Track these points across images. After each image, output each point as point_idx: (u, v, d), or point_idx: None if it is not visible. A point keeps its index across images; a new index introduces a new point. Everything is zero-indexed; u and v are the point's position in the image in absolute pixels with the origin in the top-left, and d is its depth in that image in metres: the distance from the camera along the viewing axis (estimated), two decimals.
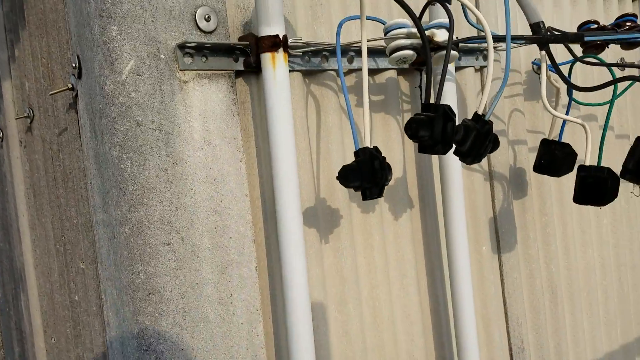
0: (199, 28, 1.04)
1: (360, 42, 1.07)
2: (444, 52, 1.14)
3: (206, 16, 1.04)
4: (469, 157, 1.09)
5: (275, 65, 1.01)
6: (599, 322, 1.78)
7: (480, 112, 1.09)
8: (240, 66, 1.07)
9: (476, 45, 1.46)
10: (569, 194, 1.71)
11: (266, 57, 1.02)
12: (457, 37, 1.23)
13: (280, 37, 1.01)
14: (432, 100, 1.02)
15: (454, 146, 1.09)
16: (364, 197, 1.02)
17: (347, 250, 1.24)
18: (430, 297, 1.42)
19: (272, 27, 1.01)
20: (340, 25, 1.06)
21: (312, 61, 1.17)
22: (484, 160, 1.55)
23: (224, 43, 1.04)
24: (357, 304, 1.24)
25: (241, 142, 1.07)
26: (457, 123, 1.08)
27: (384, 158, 1.02)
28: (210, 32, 1.05)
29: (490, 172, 1.56)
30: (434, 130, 1.00)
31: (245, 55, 1.07)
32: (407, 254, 1.36)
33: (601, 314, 1.79)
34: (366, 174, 1.00)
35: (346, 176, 1.00)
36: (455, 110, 1.33)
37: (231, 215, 1.04)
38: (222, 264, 1.03)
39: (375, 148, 1.02)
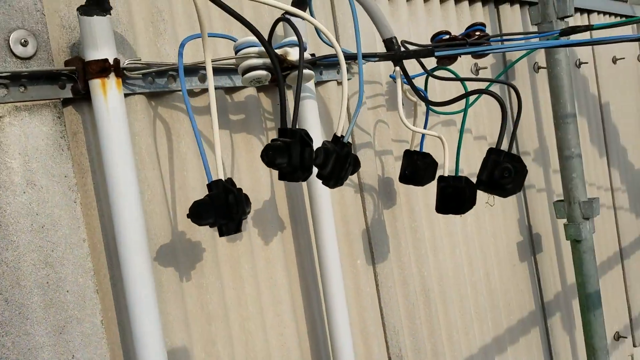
0: (14, 54, 0.89)
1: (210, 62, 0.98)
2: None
3: (22, 40, 0.89)
4: (331, 180, 1.05)
5: (107, 92, 0.90)
6: (471, 319, 1.85)
7: (338, 134, 1.05)
8: (67, 93, 0.94)
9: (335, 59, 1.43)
10: (434, 199, 1.76)
11: (95, 84, 0.89)
12: (313, 55, 1.19)
13: (111, 61, 0.90)
14: (288, 125, 0.97)
15: (316, 170, 1.05)
16: (221, 234, 0.94)
17: (212, 285, 1.15)
18: (307, 320, 1.38)
19: (100, 51, 0.89)
20: (182, 45, 0.97)
21: (157, 82, 1.07)
22: None
23: (45, 70, 0.90)
24: (227, 342, 1.16)
25: (74, 179, 0.94)
26: (319, 144, 1.04)
27: (240, 190, 0.94)
28: (29, 58, 0.90)
29: (360, 184, 1.55)
30: (291, 156, 0.94)
31: (73, 81, 0.94)
32: (281, 278, 1.31)
33: (472, 310, 1.87)
34: (220, 209, 0.92)
35: (198, 213, 0.91)
36: (319, 126, 1.29)
37: (66, 265, 0.91)
38: (59, 322, 0.90)
39: (230, 180, 0.95)
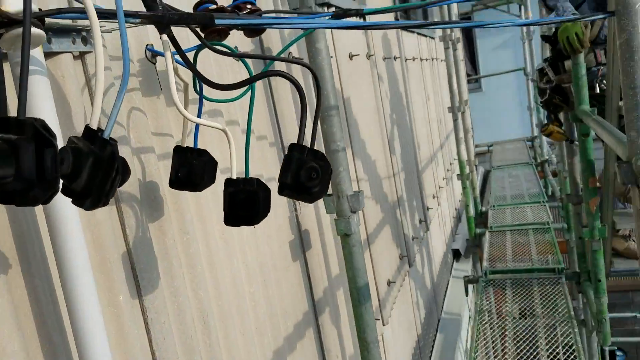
0: None
1: None
2: (20, 29, 0.69)
3: None
4: (89, 197, 0.70)
5: None
6: (252, 334, 1.64)
7: (94, 126, 0.70)
8: None
9: (70, 22, 1.03)
10: (207, 203, 1.49)
11: None
12: (40, 9, 0.79)
13: None
14: (11, 113, 0.58)
15: (61, 183, 0.68)
16: None
17: None
18: None
19: None
20: None
21: None
22: None
23: None
24: None
25: None
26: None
27: None
28: None
29: (115, 193, 1.17)
30: (22, 163, 0.57)
31: None
32: (10, 343, 0.87)
33: (253, 325, 1.66)
34: None
35: None
36: (56, 118, 0.89)
37: None
38: None
39: None
